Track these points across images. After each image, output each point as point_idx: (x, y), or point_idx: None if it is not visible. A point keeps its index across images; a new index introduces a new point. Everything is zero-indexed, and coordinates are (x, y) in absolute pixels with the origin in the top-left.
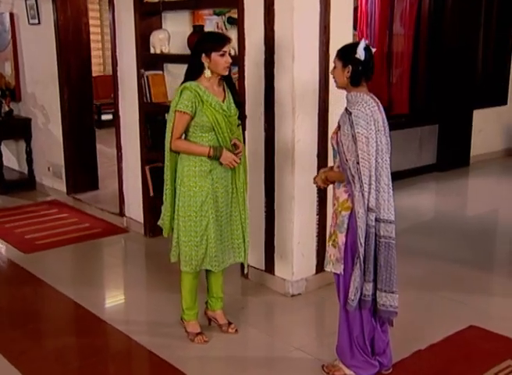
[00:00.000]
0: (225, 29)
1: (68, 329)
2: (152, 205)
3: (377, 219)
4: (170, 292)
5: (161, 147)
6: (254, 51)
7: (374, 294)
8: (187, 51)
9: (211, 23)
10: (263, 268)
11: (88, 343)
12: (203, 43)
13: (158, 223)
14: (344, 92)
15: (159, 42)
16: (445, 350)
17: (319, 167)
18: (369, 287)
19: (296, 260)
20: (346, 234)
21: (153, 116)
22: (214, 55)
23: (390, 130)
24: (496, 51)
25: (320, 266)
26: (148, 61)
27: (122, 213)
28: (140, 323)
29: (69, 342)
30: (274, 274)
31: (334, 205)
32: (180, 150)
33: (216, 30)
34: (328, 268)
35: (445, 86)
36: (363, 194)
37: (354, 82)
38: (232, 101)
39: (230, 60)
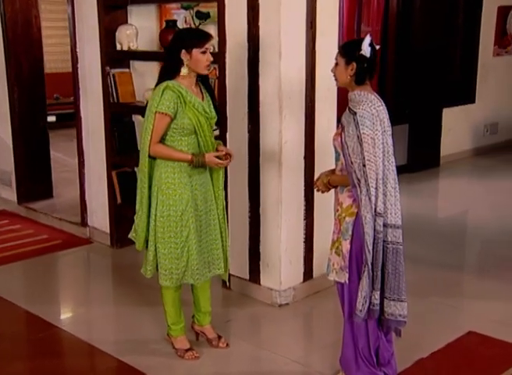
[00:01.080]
0: (194, 24)
1: (41, 350)
2: (120, 213)
3: (384, 225)
4: (146, 306)
5: (129, 150)
6: (236, 48)
7: (381, 303)
8: (155, 48)
9: (180, 17)
10: (247, 277)
11: (70, 364)
12: (183, 38)
13: (130, 235)
14: (332, 91)
15: (127, 38)
16: (447, 358)
17: (306, 170)
18: (377, 295)
19: (284, 268)
20: (350, 241)
21: (119, 118)
22: (195, 51)
23: None
24: (463, 48)
25: (308, 274)
26: (114, 58)
27: (84, 223)
28: (122, 341)
29: (45, 364)
30: (260, 284)
31: (337, 210)
32: (159, 156)
33: (184, 25)
34: (332, 277)
35: (414, 84)
36: (370, 199)
37: (359, 80)
38: (211, 102)
39: (211, 58)
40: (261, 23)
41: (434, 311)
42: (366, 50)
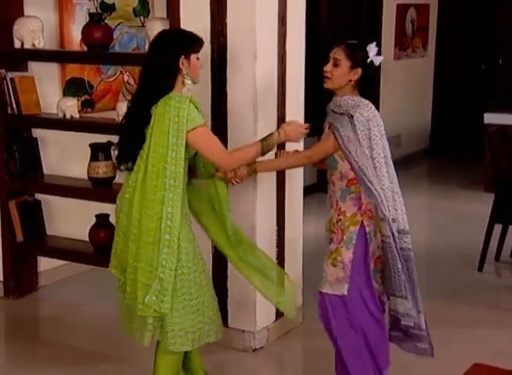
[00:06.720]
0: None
1: None
2: (19, 253)
3: (398, 231)
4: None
5: (31, 173)
6: None
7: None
8: (55, 46)
9: (83, 9)
10: None
11: None
12: (179, 42)
13: (147, 300)
14: (299, 96)
15: (31, 34)
16: None
17: (278, 190)
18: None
19: (259, 305)
20: (353, 251)
21: (17, 133)
22: (193, 57)
23: None
24: None
25: (279, 312)
26: (11, 58)
27: None
28: None
29: None
30: (227, 326)
31: (339, 220)
32: (243, 161)
33: (88, 19)
34: (325, 289)
35: (322, 95)
36: (387, 199)
37: (361, 87)
38: None
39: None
40: (229, 18)
41: None
42: (376, 58)
